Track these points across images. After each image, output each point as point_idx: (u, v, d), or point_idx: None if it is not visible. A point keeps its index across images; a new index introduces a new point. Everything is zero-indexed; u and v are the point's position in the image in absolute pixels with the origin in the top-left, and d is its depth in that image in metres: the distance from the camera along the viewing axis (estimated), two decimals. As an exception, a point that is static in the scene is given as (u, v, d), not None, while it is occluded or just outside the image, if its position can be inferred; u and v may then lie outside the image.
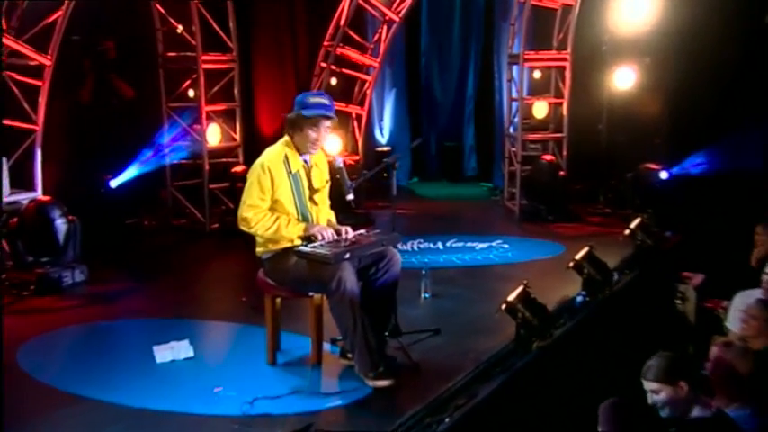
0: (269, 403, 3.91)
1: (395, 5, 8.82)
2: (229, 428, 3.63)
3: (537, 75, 9.27)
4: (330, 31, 8.85)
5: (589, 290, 5.74)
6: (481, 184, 11.06)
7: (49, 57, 6.30)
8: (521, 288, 4.84)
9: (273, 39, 9.30)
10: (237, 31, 8.28)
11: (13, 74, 6.23)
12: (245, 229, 4.21)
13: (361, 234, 4.44)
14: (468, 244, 7.45)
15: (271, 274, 4.35)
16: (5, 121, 6.36)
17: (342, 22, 8.65)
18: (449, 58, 11.36)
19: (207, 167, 7.98)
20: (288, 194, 4.23)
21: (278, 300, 4.53)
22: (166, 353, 4.44)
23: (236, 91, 8.32)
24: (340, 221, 4.58)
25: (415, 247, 7.44)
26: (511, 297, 4.80)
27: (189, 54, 7.88)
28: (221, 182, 8.15)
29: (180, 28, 7.86)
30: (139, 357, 4.48)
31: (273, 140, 9.05)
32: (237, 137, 8.41)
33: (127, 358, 4.54)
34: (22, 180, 6.35)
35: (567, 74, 8.82)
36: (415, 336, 4.87)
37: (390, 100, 10.98)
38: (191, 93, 8.14)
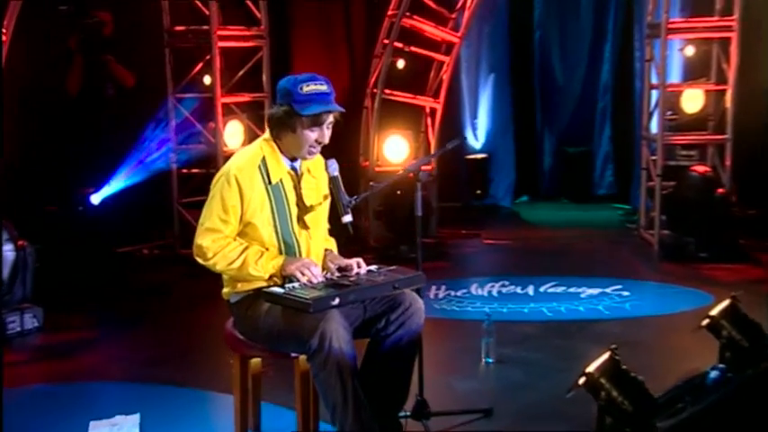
0: None
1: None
2: None
3: (689, 52, 8.71)
4: (396, -5, 8.66)
5: (730, 362, 5.18)
6: (616, 207, 10.58)
7: (4, 31, 6.38)
8: (606, 356, 4.42)
9: (319, 8, 9.19)
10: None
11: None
12: (200, 261, 3.97)
13: (371, 272, 4.13)
14: (572, 289, 7.18)
15: (239, 324, 4.11)
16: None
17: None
18: (575, 30, 11.00)
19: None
20: (264, 215, 3.92)
21: (255, 360, 4.30)
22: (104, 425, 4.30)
23: (264, 77, 8.25)
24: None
25: (495, 292, 7.15)
26: (591, 368, 4.38)
27: (202, 28, 7.86)
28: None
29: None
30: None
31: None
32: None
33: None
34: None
35: (733, 50, 8.17)
36: (455, 418, 4.61)
37: (487, 90, 10.68)
38: (206, 79, 8.12)
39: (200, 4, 7.83)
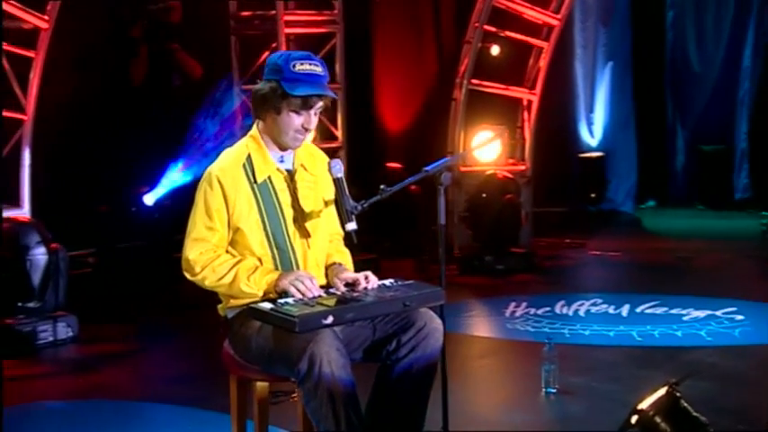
0: None
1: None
2: None
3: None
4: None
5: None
6: (762, 214, 10.11)
7: (46, 17, 6.61)
8: (663, 391, 4.27)
9: None
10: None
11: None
12: (188, 276, 3.93)
13: (383, 287, 4.02)
14: (675, 310, 6.94)
15: (233, 342, 4.07)
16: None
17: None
18: (715, 10, 10.56)
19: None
20: (252, 218, 3.83)
21: (262, 384, 4.26)
22: None
23: (337, 66, 8.25)
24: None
25: (582, 312, 6.94)
26: (644, 405, 4.28)
27: (269, 13, 7.93)
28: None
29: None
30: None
31: (399, 139, 9.18)
32: (339, 134, 8.32)
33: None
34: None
35: None
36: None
37: (605, 79, 10.39)
38: (274, 70, 8.19)
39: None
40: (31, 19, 6.65)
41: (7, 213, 6.54)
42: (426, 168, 4.26)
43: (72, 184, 7.58)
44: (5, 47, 6.75)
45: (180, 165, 7.87)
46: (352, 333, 3.85)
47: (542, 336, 6.39)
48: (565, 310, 6.97)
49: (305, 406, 3.74)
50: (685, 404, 4.33)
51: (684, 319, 6.66)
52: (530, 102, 8.58)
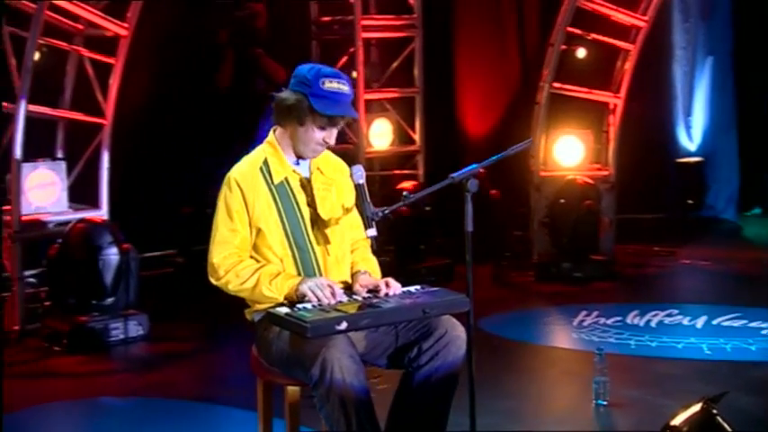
0: None
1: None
2: None
3: None
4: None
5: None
6: None
7: (125, 25, 6.89)
8: (698, 407, 4.20)
9: None
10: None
11: (83, 50, 6.97)
12: (213, 281, 4.05)
13: (407, 293, 4.07)
14: (755, 323, 6.72)
15: (258, 345, 4.19)
16: (69, 115, 7.17)
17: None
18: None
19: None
20: (272, 218, 3.96)
21: (293, 389, 4.34)
22: None
23: (416, 70, 8.33)
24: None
25: (655, 322, 6.84)
26: (677, 421, 4.25)
27: (347, 18, 8.06)
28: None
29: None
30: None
31: (481, 142, 9.16)
32: (417, 137, 8.38)
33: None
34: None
35: None
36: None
37: (704, 78, 10.13)
38: (354, 74, 8.31)
39: (347, -8, 8.02)
40: (112, 27, 6.95)
41: (86, 214, 6.87)
42: (452, 175, 4.30)
43: (158, 186, 7.86)
44: (88, 54, 7.09)
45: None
46: (376, 339, 3.94)
47: (606, 347, 6.35)
48: (636, 321, 6.85)
49: (319, 411, 3.82)
50: (721, 421, 4.26)
51: (763, 333, 6.44)
52: (615, 105, 8.41)
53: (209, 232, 4.01)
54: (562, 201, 8.10)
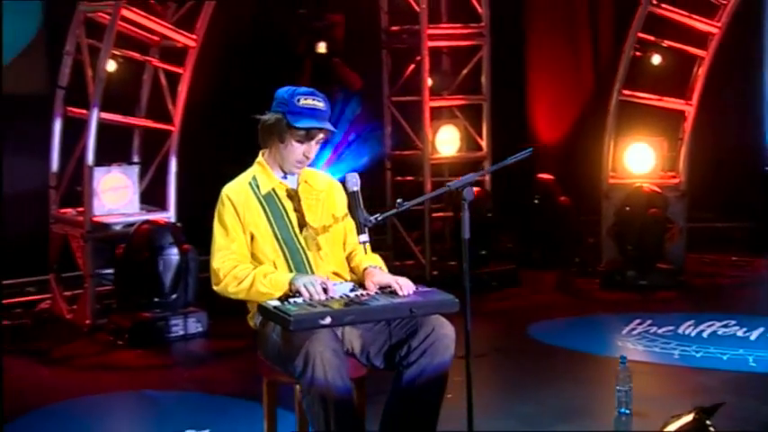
0: None
1: None
2: None
3: None
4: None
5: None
6: None
7: (194, 36, 7.23)
8: (690, 418, 4.34)
9: (559, 1, 9.17)
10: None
11: (155, 60, 7.32)
12: (215, 288, 4.21)
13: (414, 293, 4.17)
14: None
15: (258, 342, 4.40)
16: (137, 122, 7.55)
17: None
18: None
19: (429, 187, 8.19)
20: (261, 224, 4.17)
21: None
22: None
23: (483, 78, 8.40)
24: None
25: (707, 333, 6.78)
26: (671, 429, 4.39)
27: (414, 27, 8.21)
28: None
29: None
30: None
31: (552, 150, 9.18)
32: (484, 144, 8.47)
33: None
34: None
35: None
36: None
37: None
38: (429, 81, 8.45)
39: (413, 2, 8.15)
40: (181, 38, 7.28)
41: (154, 216, 7.23)
42: (449, 184, 4.41)
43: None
44: (158, 64, 7.46)
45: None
46: (371, 338, 4.09)
47: (649, 355, 6.34)
48: (689, 331, 6.76)
49: (302, 401, 4.00)
50: (713, 430, 4.28)
51: None
52: (687, 113, 8.30)
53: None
54: (627, 208, 8.05)
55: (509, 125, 9.05)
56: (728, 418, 5.09)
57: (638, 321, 7.01)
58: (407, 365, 4.04)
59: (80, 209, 7.12)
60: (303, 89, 4.20)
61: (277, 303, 3.90)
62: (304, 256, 4.17)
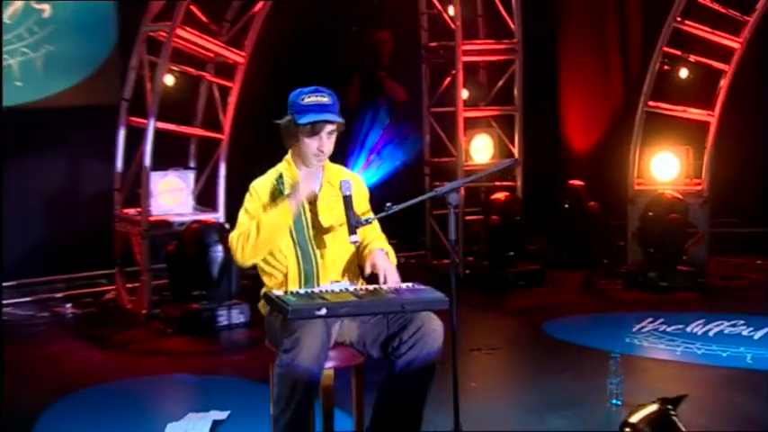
0: None
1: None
2: None
3: None
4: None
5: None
6: None
7: (243, 54, 7.42)
8: (654, 407, 4.39)
9: (590, 16, 9.15)
10: (526, 13, 8.42)
11: (207, 75, 7.54)
12: (235, 256, 4.28)
13: (398, 288, 4.27)
14: None
15: (266, 327, 4.48)
16: (189, 131, 7.76)
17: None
18: None
19: (463, 192, 8.24)
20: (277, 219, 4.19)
21: (328, 373, 4.51)
22: (178, 427, 4.93)
23: (516, 90, 8.43)
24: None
25: (713, 332, 6.72)
26: (635, 419, 4.39)
27: (450, 43, 8.29)
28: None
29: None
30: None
31: (583, 158, 9.12)
32: (516, 152, 8.49)
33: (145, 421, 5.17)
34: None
35: None
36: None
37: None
38: (463, 93, 8.51)
39: (449, 20, 8.22)
40: (231, 55, 7.48)
41: (203, 216, 7.43)
42: (437, 190, 4.48)
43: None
44: (212, 78, 7.67)
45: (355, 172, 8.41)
46: (368, 330, 4.18)
47: (652, 351, 6.29)
48: (697, 329, 6.69)
49: (275, 374, 4.02)
50: (676, 420, 4.28)
51: None
52: (709, 123, 8.19)
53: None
54: (650, 213, 8.00)
55: (542, 134, 9.07)
56: (703, 408, 5.12)
57: (650, 320, 6.95)
58: (399, 356, 4.11)
59: (139, 209, 7.34)
60: (308, 88, 4.22)
61: (280, 293, 4.02)
62: (312, 254, 4.24)
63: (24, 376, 6.01)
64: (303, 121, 4.12)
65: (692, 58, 8.21)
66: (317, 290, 4.14)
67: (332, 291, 4.08)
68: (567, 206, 8.98)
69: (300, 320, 3.88)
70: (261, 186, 4.29)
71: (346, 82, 9.05)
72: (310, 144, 4.18)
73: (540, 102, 9.04)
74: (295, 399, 3.96)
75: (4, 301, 7.58)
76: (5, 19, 7.90)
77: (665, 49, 8.14)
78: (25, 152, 8.01)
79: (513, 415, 5.19)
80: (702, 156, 8.32)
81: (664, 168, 8.31)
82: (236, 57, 7.48)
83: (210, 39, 7.40)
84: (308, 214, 4.26)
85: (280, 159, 4.52)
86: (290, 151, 4.34)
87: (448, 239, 4.37)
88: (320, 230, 4.27)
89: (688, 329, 6.71)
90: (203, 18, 7.42)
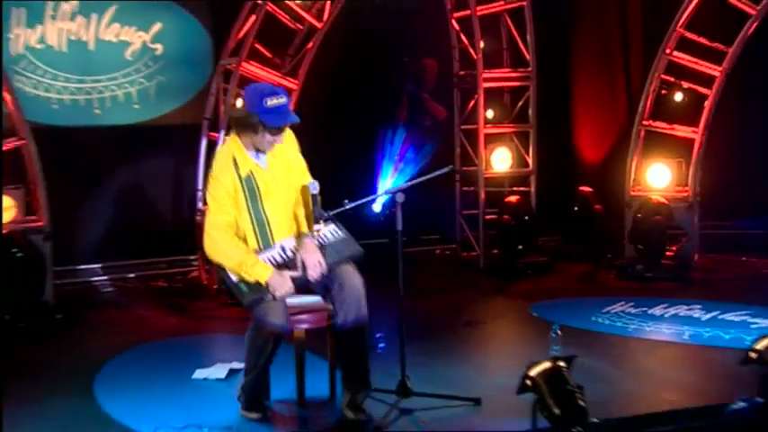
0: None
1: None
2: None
3: None
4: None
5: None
6: None
7: (296, 81, 8.12)
8: (548, 364, 4.52)
9: (598, 48, 9.54)
10: (541, 43, 8.88)
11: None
12: (209, 256, 4.53)
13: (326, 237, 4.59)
14: (756, 320, 6.61)
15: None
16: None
17: (679, 24, 8.28)
18: None
19: (483, 195, 8.74)
20: (240, 201, 4.38)
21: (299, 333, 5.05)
22: (204, 371, 5.61)
23: (530, 111, 8.87)
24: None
25: (670, 314, 6.98)
26: (533, 372, 4.43)
27: (473, 72, 8.79)
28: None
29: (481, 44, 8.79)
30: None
31: (592, 167, 9.42)
32: (531, 162, 8.91)
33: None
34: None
35: None
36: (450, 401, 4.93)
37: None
38: (489, 113, 9.00)
39: (473, 53, 8.72)
40: (287, 83, 8.14)
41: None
42: (387, 189, 5.07)
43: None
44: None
45: (387, 177, 9.01)
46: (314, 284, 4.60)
47: (609, 329, 6.59)
48: (657, 312, 6.96)
49: (251, 330, 4.57)
50: (567, 375, 4.53)
51: (752, 327, 6.37)
52: (694, 139, 8.43)
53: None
54: (639, 215, 8.31)
55: (556, 147, 9.46)
56: (630, 373, 5.50)
57: (621, 303, 7.25)
58: (335, 313, 4.54)
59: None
60: (267, 89, 4.35)
61: (234, 281, 4.42)
62: (267, 224, 4.46)
63: (109, 333, 6.88)
64: (273, 124, 4.28)
65: (686, 84, 8.43)
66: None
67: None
68: (576, 209, 9.29)
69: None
70: (222, 174, 4.39)
71: (397, 103, 9.60)
72: (272, 139, 4.35)
73: (554, 119, 9.42)
74: (267, 350, 4.49)
75: (114, 275, 8.53)
76: (127, 56, 8.82)
77: (663, 76, 8.45)
78: (139, 159, 8.92)
79: (464, 370, 5.67)
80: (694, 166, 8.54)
81: (657, 177, 8.60)
82: (291, 84, 8.13)
83: (270, 70, 8.09)
84: (261, 189, 4.42)
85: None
86: (239, 135, 4.41)
87: (396, 231, 4.86)
88: (271, 200, 4.45)
89: (649, 311, 6.99)
90: (267, 53, 8.11)
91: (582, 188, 9.34)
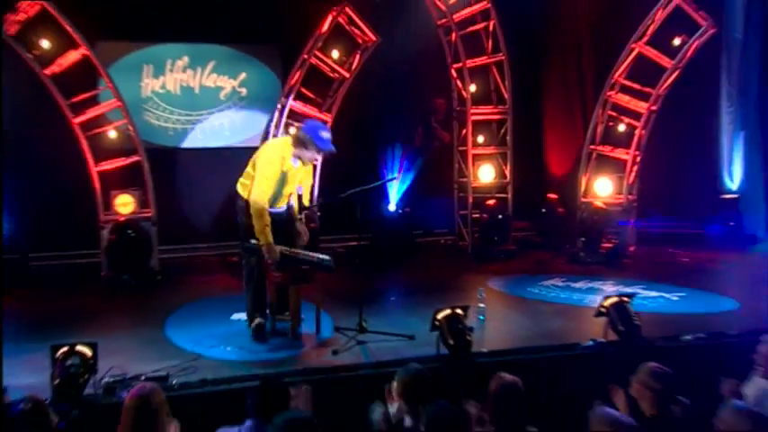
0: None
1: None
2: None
3: None
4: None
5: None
6: None
7: (329, 114, 9.54)
8: (449, 311, 5.53)
9: (561, 89, 10.82)
10: (518, 86, 10.11)
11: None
12: (252, 210, 5.65)
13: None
14: (636, 288, 7.31)
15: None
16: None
17: (617, 74, 9.34)
18: None
19: (471, 200, 10.03)
20: (276, 183, 5.76)
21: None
22: (238, 315, 6.59)
23: (507, 137, 10.12)
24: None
25: (584, 287, 7.83)
26: (440, 316, 5.51)
27: (463, 108, 10.08)
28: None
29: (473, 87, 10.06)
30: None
31: (559, 179, 10.57)
32: (508, 173, 10.12)
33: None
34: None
35: None
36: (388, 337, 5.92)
37: (740, 143, 10.46)
38: (479, 138, 10.22)
39: (464, 92, 9.99)
40: (322, 116, 9.50)
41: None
42: (340, 195, 6.06)
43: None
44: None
45: (394, 180, 10.19)
46: None
47: (535, 296, 7.49)
48: (577, 285, 7.81)
49: (248, 281, 6.11)
50: (461, 318, 5.51)
51: (639, 295, 6.67)
52: (628, 160, 9.43)
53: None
54: (584, 215, 9.38)
55: (529, 164, 10.67)
56: (536, 324, 6.33)
57: (556, 278, 8.23)
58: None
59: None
60: (321, 125, 5.87)
61: (254, 242, 5.92)
62: (280, 198, 6.00)
63: (189, 289, 8.19)
64: (323, 147, 5.74)
65: (626, 120, 9.47)
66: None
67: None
68: (544, 211, 10.48)
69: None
70: (276, 163, 5.71)
71: (414, 131, 10.87)
72: (312, 156, 5.86)
73: (528, 143, 10.63)
74: (262, 297, 6.04)
75: (201, 252, 9.89)
76: (221, 97, 10.38)
77: (610, 112, 9.54)
78: (227, 171, 10.07)
79: (411, 318, 6.48)
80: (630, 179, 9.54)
81: (603, 188, 9.68)
82: (325, 117, 9.51)
83: (311, 106, 9.50)
84: (287, 180, 5.92)
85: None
86: (293, 145, 5.75)
87: (358, 221, 6.21)
88: (288, 187, 6.01)
89: (571, 285, 7.89)
90: (309, 94, 9.54)
91: (549, 195, 10.53)
